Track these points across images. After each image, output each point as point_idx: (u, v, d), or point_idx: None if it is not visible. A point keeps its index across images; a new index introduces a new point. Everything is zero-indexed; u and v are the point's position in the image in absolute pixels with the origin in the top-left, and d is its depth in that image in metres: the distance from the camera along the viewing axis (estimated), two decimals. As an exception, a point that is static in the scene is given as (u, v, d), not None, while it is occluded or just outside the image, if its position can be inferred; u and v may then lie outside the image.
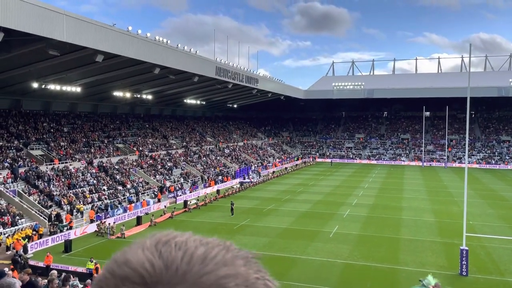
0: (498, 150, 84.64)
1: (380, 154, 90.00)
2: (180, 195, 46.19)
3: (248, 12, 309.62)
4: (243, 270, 0.76)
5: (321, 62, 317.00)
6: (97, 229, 32.64)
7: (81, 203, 36.73)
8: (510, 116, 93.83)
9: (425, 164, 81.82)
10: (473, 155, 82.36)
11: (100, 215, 35.64)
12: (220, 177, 57.51)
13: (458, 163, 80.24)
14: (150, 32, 38.13)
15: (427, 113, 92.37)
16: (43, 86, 40.52)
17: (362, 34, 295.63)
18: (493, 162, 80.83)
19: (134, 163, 50.30)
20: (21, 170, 37.29)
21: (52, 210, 33.60)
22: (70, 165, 42.18)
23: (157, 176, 49.84)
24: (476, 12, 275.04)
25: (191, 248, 0.77)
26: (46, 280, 11.89)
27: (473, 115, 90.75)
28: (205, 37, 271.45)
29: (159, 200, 43.75)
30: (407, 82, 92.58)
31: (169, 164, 54.92)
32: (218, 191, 49.85)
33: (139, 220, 35.71)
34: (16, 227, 30.03)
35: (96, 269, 22.11)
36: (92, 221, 34.49)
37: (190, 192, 48.78)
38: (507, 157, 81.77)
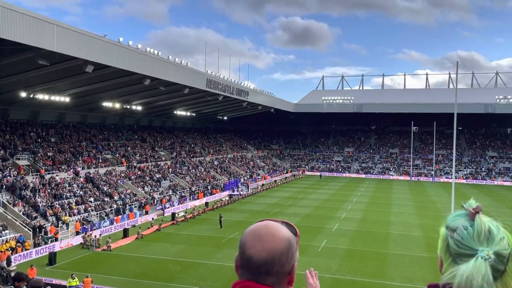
0: (484, 166, 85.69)
1: (369, 168, 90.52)
2: (168, 207, 45.79)
3: (231, 26, 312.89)
4: None
5: (306, 76, 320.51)
6: (83, 241, 32.13)
7: (67, 214, 36.17)
8: (496, 132, 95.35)
9: (413, 178, 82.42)
10: (460, 170, 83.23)
11: (86, 227, 35.11)
12: (208, 189, 57.24)
13: (446, 178, 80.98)
14: (134, 43, 38.42)
15: (415, 128, 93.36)
16: (31, 96, 40.17)
17: (343, 49, 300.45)
18: (480, 177, 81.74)
19: (122, 175, 49.82)
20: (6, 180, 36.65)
21: (36, 222, 33.00)
22: (57, 175, 41.63)
23: (145, 188, 49.41)
24: (452, 30, 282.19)
25: None
26: None
27: (460, 131, 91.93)
28: (188, 49, 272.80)
29: (146, 212, 43.31)
30: (395, 97, 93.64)
31: (157, 176, 54.52)
32: (206, 203, 49.53)
33: (126, 233, 35.20)
34: (-1, 239, 29.40)
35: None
36: (77, 233, 33.96)
37: (181, 203, 48.46)
38: (493, 173, 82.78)
